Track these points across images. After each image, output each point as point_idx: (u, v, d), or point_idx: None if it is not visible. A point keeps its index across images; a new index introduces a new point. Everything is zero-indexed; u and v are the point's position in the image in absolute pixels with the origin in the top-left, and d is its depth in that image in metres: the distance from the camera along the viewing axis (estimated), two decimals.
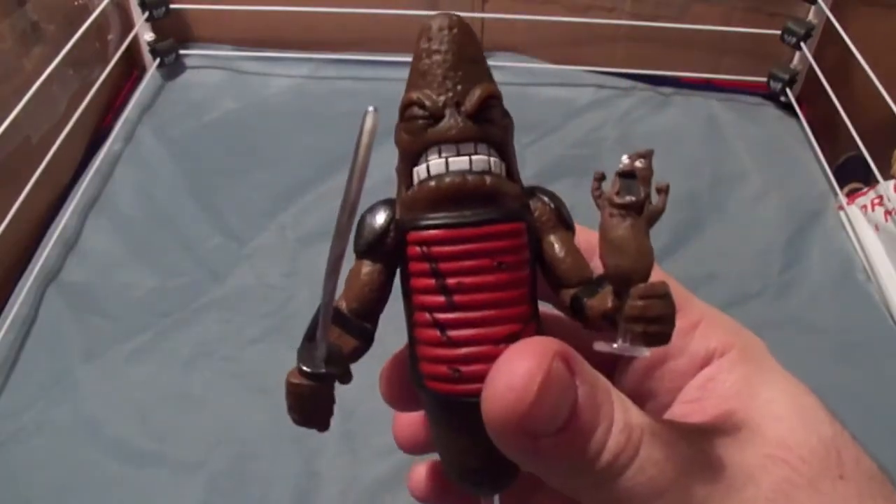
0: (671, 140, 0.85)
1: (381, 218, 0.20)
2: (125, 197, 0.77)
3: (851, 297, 0.70)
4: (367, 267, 0.20)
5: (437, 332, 0.19)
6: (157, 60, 0.89)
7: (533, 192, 0.20)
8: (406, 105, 0.19)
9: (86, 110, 0.78)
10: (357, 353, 0.20)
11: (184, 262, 0.70)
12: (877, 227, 0.73)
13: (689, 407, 0.21)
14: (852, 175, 0.82)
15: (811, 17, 0.86)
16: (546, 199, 0.20)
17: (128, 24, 0.89)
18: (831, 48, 0.85)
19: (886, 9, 0.85)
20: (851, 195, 0.79)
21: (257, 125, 0.85)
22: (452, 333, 0.18)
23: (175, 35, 0.91)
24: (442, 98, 0.19)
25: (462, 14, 0.19)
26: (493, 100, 0.19)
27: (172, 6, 0.90)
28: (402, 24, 0.91)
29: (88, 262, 0.70)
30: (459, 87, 0.19)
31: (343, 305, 0.20)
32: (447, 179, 0.18)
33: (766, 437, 0.19)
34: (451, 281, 0.18)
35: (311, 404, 0.20)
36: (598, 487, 0.18)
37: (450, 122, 0.18)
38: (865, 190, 0.77)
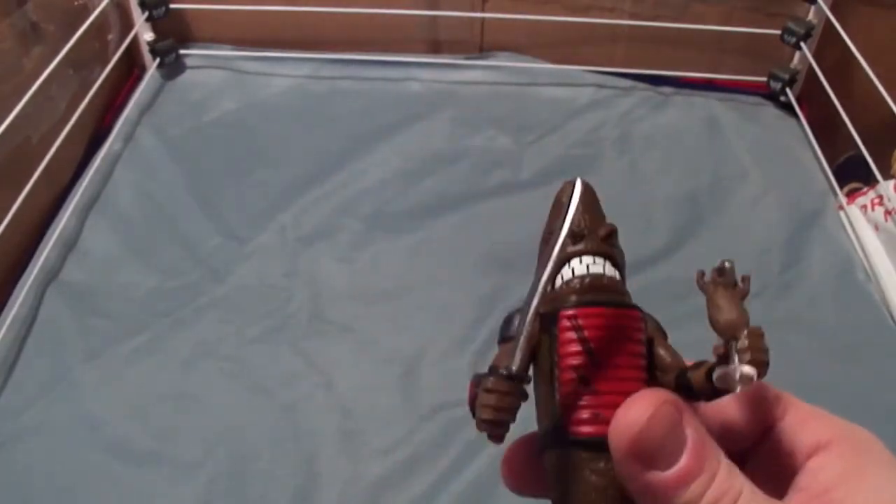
0: (671, 140, 0.85)
1: (517, 316, 0.24)
2: (125, 197, 0.77)
3: (851, 297, 0.70)
4: (510, 345, 0.24)
5: (583, 386, 0.23)
6: (157, 60, 0.89)
7: (637, 307, 0.25)
8: (549, 231, 0.25)
9: (86, 110, 0.78)
10: (524, 397, 0.24)
11: (184, 262, 0.70)
12: (877, 227, 0.73)
13: (800, 496, 0.23)
14: (852, 175, 0.82)
15: (811, 17, 0.86)
16: (647, 313, 0.25)
17: (128, 24, 0.89)
18: (831, 48, 0.85)
19: (886, 9, 0.85)
20: (851, 195, 0.79)
21: (257, 125, 0.85)
22: (597, 385, 0.23)
23: (175, 35, 0.91)
24: (583, 226, 0.25)
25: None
26: (615, 233, 0.25)
27: (172, 6, 0.90)
28: (402, 24, 0.91)
29: (88, 262, 0.70)
30: (590, 221, 0.25)
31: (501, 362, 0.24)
32: (589, 278, 0.24)
33: None
34: (594, 345, 0.23)
35: (510, 409, 0.23)
36: None
37: (590, 241, 0.25)
38: (865, 190, 0.77)
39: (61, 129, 0.74)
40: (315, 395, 0.60)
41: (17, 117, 0.66)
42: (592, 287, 0.24)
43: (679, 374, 0.24)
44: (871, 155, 0.75)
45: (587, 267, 0.24)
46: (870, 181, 0.77)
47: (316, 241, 0.73)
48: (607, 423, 0.22)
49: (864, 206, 0.75)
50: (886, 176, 0.74)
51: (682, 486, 0.21)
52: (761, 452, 0.26)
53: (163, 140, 0.83)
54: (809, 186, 0.81)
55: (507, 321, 0.26)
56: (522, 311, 0.23)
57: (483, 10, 0.91)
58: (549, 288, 0.24)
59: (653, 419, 0.21)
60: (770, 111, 0.90)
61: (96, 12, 0.81)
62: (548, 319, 0.24)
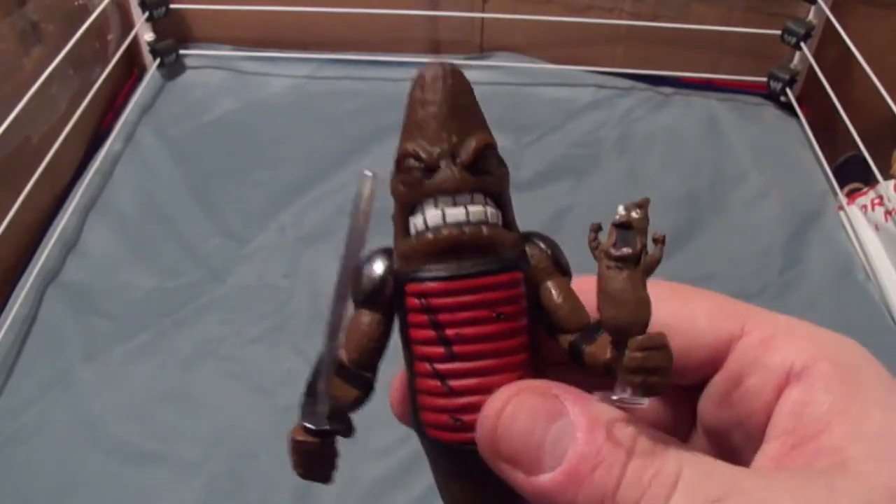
0: (671, 140, 0.85)
1: (378, 268, 0.20)
2: (125, 197, 0.77)
3: (851, 297, 0.70)
4: (366, 317, 0.20)
5: (438, 382, 0.19)
6: (157, 60, 0.89)
7: (529, 238, 0.20)
8: (402, 156, 0.19)
9: (86, 110, 0.78)
10: (358, 404, 0.21)
11: (184, 262, 0.70)
12: (877, 227, 0.73)
13: (781, 442, 0.18)
14: (852, 175, 0.82)
15: (811, 17, 0.86)
16: (543, 245, 0.20)
17: (128, 24, 0.89)
18: (831, 48, 0.85)
19: (886, 9, 0.85)
20: (851, 195, 0.79)
21: (257, 125, 0.85)
22: (453, 383, 0.19)
23: (175, 35, 0.91)
24: (437, 149, 0.19)
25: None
26: (488, 150, 0.19)
27: (172, 6, 0.90)
28: (402, 24, 0.91)
29: (88, 262, 0.70)
30: (454, 138, 0.19)
31: (343, 356, 0.20)
32: (444, 232, 0.19)
33: (868, 482, 0.16)
34: (450, 332, 0.19)
35: (317, 460, 0.20)
36: None
37: (445, 173, 0.19)
38: (865, 190, 0.77)
39: (61, 129, 0.74)
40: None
41: (17, 117, 0.66)
42: (449, 246, 0.18)
43: (574, 343, 0.19)
44: (871, 155, 0.75)
45: (443, 213, 0.19)
46: (870, 181, 0.77)
47: (316, 241, 0.73)
48: (470, 429, 0.19)
49: (865, 207, 0.75)
50: (886, 176, 0.74)
51: (568, 488, 0.17)
52: (714, 391, 0.20)
53: (163, 140, 0.83)
54: (809, 187, 0.81)
55: (360, 274, 0.20)
56: (325, 360, 0.19)
57: (483, 10, 0.91)
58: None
59: (507, 413, 0.17)
60: (770, 111, 0.90)
61: (96, 12, 0.81)
62: (397, 287, 0.19)
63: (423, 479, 0.55)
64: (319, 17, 0.88)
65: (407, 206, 0.19)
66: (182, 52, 0.92)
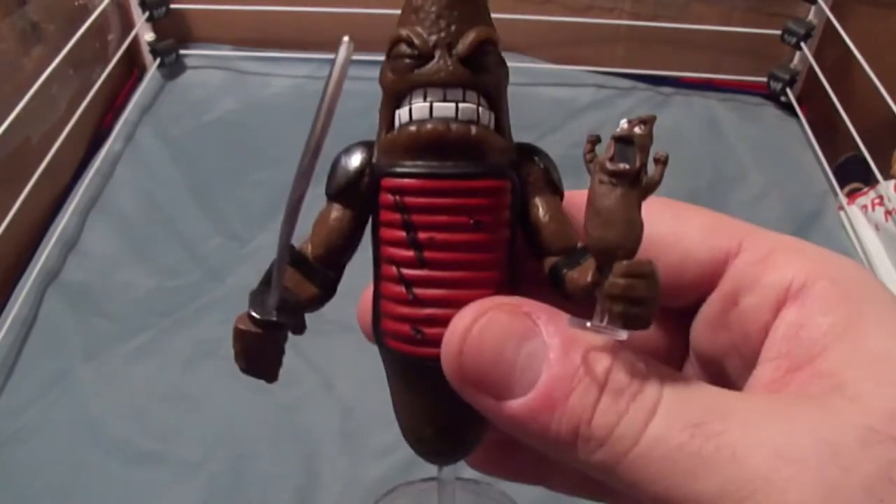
0: (671, 140, 0.85)
1: (356, 160, 0.19)
2: (125, 197, 0.77)
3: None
4: (336, 212, 0.19)
5: (403, 289, 0.18)
6: (158, 60, 0.89)
7: (523, 148, 0.19)
8: (393, 42, 0.18)
9: (86, 110, 0.78)
10: (316, 302, 0.20)
11: (184, 262, 0.70)
12: (877, 227, 0.73)
13: (775, 365, 0.17)
14: (852, 175, 0.82)
15: (811, 17, 0.86)
16: (536, 158, 0.19)
17: (128, 24, 0.89)
18: (831, 48, 0.85)
19: (886, 9, 0.85)
20: (851, 195, 0.79)
21: (257, 125, 0.85)
22: (419, 292, 0.17)
23: (175, 35, 0.91)
24: (433, 37, 0.17)
25: None
26: (488, 45, 0.18)
27: (173, 6, 0.90)
28: None
29: (88, 262, 0.70)
30: (453, 28, 0.17)
31: (308, 250, 0.19)
32: (429, 125, 0.17)
33: (868, 406, 0.15)
34: (422, 235, 0.17)
35: (258, 352, 0.19)
36: (602, 471, 0.15)
37: (438, 63, 0.17)
38: (865, 190, 0.77)
39: (61, 129, 0.74)
40: (315, 395, 0.60)
41: (17, 117, 0.66)
42: (433, 142, 0.17)
43: (555, 265, 0.17)
44: (871, 155, 0.75)
45: (430, 106, 0.17)
46: (870, 181, 0.77)
47: None
48: (430, 343, 0.17)
49: (865, 207, 0.75)
50: (886, 176, 0.74)
51: (541, 414, 0.15)
52: (708, 312, 0.19)
53: (163, 140, 0.83)
54: (809, 187, 0.81)
55: (336, 166, 0.19)
56: (278, 247, 0.18)
57: None
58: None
59: (473, 333, 0.16)
60: (770, 111, 0.90)
61: (96, 12, 0.81)
62: (373, 180, 0.18)
63: None
64: (319, 17, 0.88)
65: (394, 97, 0.18)
66: (182, 52, 0.92)
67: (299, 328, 0.19)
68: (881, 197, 0.73)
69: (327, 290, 0.19)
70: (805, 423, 0.15)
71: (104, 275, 0.69)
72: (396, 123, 0.18)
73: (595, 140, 0.17)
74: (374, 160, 0.18)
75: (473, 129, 0.17)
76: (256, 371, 0.20)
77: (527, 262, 0.19)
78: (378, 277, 0.18)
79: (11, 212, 0.65)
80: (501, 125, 0.18)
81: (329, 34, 0.92)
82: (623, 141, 0.16)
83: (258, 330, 0.18)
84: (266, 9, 0.90)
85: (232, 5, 0.90)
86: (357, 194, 0.19)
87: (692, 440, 0.14)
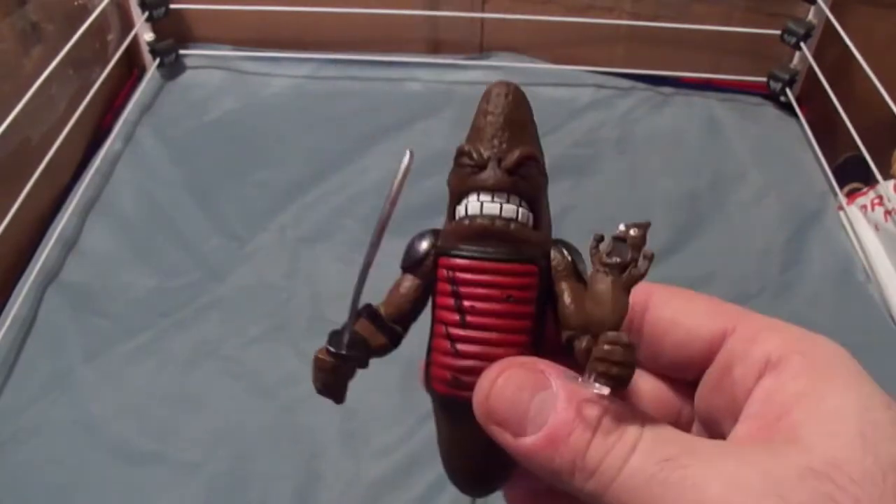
0: (671, 140, 0.85)
1: (424, 244, 0.23)
2: (125, 197, 0.77)
3: (851, 297, 0.70)
4: (407, 281, 0.24)
5: (449, 344, 0.22)
6: (157, 60, 0.89)
7: (557, 243, 0.23)
8: (459, 154, 0.23)
9: (86, 110, 0.78)
10: (384, 350, 0.24)
11: (184, 262, 0.70)
12: (877, 227, 0.73)
13: (751, 423, 0.20)
14: (852, 175, 0.82)
15: (811, 17, 0.86)
16: (565, 251, 0.23)
17: (128, 24, 0.89)
18: (831, 48, 0.85)
19: (886, 9, 0.85)
20: (851, 195, 0.79)
21: (257, 125, 0.85)
22: (460, 347, 0.22)
23: (175, 35, 0.91)
24: (487, 153, 0.22)
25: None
26: (529, 160, 0.22)
27: (172, 6, 0.90)
28: (402, 24, 0.91)
29: (88, 262, 0.70)
30: (504, 146, 0.22)
31: (381, 309, 0.24)
32: (478, 221, 0.22)
33: (813, 452, 0.18)
34: (466, 303, 0.22)
35: (330, 378, 0.23)
36: (594, 497, 0.19)
37: (489, 173, 0.22)
38: (865, 190, 0.77)
39: (61, 129, 0.74)
40: (315, 395, 0.59)
41: (17, 117, 0.66)
42: (480, 233, 0.22)
43: (570, 337, 0.22)
44: (871, 155, 0.75)
45: (481, 205, 0.22)
46: (870, 181, 0.77)
47: (316, 242, 0.73)
48: (466, 388, 0.22)
49: (864, 207, 0.75)
50: (886, 176, 0.74)
51: (547, 450, 0.19)
52: (707, 380, 0.23)
53: (163, 140, 0.83)
54: (809, 187, 0.81)
55: (410, 247, 0.24)
56: (352, 299, 0.22)
57: (483, 10, 0.91)
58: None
59: (498, 383, 0.20)
60: (770, 111, 0.90)
61: (96, 12, 0.81)
62: (434, 260, 0.23)
63: (424, 479, 0.55)
64: (319, 17, 0.88)
65: (456, 196, 0.23)
66: (182, 52, 0.92)
67: (364, 364, 0.24)
68: (881, 197, 0.73)
69: (394, 342, 0.24)
70: (755, 462, 0.18)
71: (104, 275, 0.69)
72: (456, 216, 0.23)
73: (599, 238, 0.21)
74: (438, 243, 0.23)
75: (512, 226, 0.22)
76: (328, 393, 0.24)
77: (552, 333, 0.23)
78: (432, 333, 0.23)
79: (11, 212, 0.65)
80: (539, 222, 0.23)
81: (329, 34, 0.92)
82: (620, 239, 0.20)
83: (331, 360, 0.23)
84: (266, 9, 0.90)
85: (232, 5, 0.90)
86: (423, 269, 0.23)
87: (662, 472, 0.18)
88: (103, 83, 0.82)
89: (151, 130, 0.84)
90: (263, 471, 0.56)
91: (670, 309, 0.23)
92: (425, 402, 0.25)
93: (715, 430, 0.22)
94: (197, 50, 0.93)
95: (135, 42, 0.89)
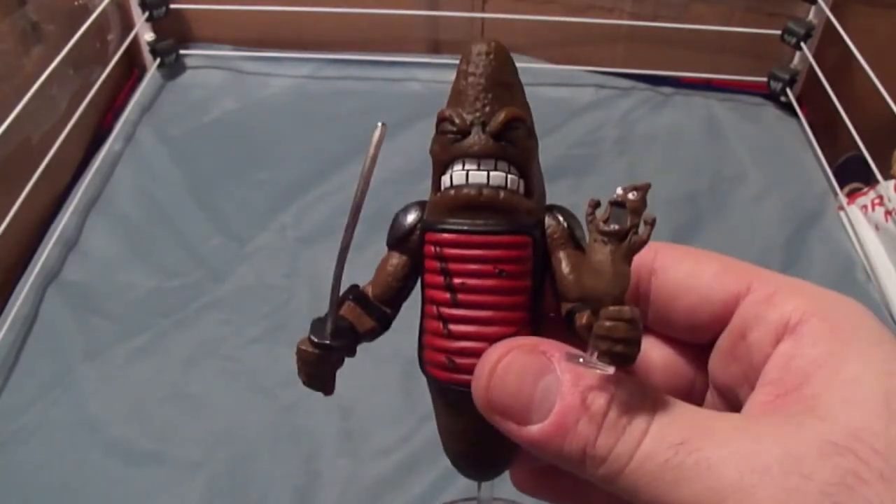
0: (671, 140, 0.85)
1: (410, 217, 0.22)
2: (125, 197, 0.77)
3: (851, 297, 0.70)
4: (394, 259, 0.23)
5: (441, 325, 0.21)
6: (157, 60, 0.89)
7: (552, 209, 0.22)
8: (440, 120, 0.21)
9: (86, 110, 0.78)
10: (372, 334, 0.23)
11: (184, 262, 0.70)
12: (877, 227, 0.73)
13: (768, 390, 0.19)
14: (852, 175, 0.82)
15: (811, 17, 0.86)
16: (560, 217, 0.21)
17: (128, 24, 0.89)
18: (831, 48, 0.85)
19: (886, 9, 0.85)
20: (851, 195, 0.79)
21: (257, 125, 0.85)
22: (453, 327, 0.21)
23: (175, 35, 0.91)
24: (470, 117, 0.20)
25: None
26: (516, 122, 0.20)
27: (172, 6, 0.90)
28: (402, 24, 0.91)
29: (88, 262, 0.70)
30: (488, 109, 0.20)
31: (368, 290, 0.23)
32: (464, 190, 0.20)
33: (834, 423, 0.17)
34: (456, 280, 0.20)
35: (315, 370, 0.22)
36: (606, 483, 0.18)
37: (474, 138, 0.20)
38: (865, 190, 0.77)
39: (61, 129, 0.74)
40: (315, 395, 0.59)
41: (17, 117, 0.66)
42: (467, 204, 0.20)
43: (570, 310, 0.20)
44: (871, 155, 0.75)
45: (467, 174, 0.20)
46: (870, 181, 0.77)
47: (316, 241, 0.73)
48: (461, 371, 0.20)
49: (865, 207, 0.75)
50: (886, 176, 0.74)
51: (555, 438, 0.18)
52: (721, 346, 0.21)
53: (163, 140, 0.83)
54: (809, 187, 0.81)
55: (395, 222, 0.23)
56: (332, 286, 0.21)
57: (483, 10, 0.91)
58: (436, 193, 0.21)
59: (498, 370, 0.19)
60: (770, 111, 0.90)
61: (96, 12, 0.81)
62: (420, 235, 0.22)
63: (424, 479, 0.55)
64: (319, 17, 0.88)
65: (440, 165, 0.21)
66: (182, 52, 0.92)
67: (351, 352, 0.22)
68: (881, 197, 0.73)
69: (383, 324, 0.23)
70: (773, 438, 0.17)
71: (104, 275, 0.69)
72: (442, 187, 0.21)
73: (595, 204, 0.19)
74: (424, 217, 0.22)
75: (501, 194, 0.20)
76: (314, 384, 0.23)
77: (551, 306, 0.22)
78: (423, 314, 0.22)
79: (11, 212, 0.65)
80: (530, 189, 0.21)
81: (329, 34, 0.92)
82: (618, 205, 0.18)
83: (315, 351, 0.22)
84: (266, 9, 0.90)
85: (232, 5, 0.90)
86: (410, 245, 0.22)
87: (675, 456, 0.17)
88: (103, 83, 0.82)
89: (152, 130, 0.84)
90: (263, 471, 0.56)
91: (679, 271, 0.22)
92: (425, 402, 0.24)
93: (730, 397, 0.21)
94: (197, 50, 0.93)
95: (135, 42, 0.89)
